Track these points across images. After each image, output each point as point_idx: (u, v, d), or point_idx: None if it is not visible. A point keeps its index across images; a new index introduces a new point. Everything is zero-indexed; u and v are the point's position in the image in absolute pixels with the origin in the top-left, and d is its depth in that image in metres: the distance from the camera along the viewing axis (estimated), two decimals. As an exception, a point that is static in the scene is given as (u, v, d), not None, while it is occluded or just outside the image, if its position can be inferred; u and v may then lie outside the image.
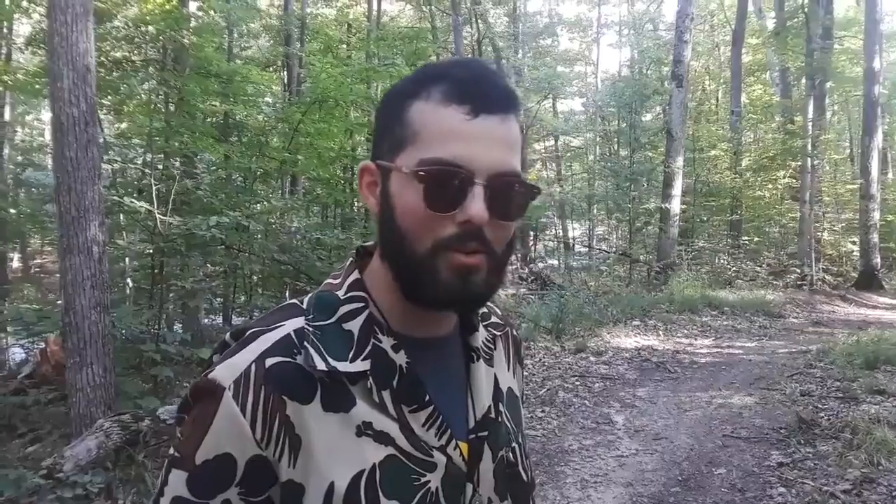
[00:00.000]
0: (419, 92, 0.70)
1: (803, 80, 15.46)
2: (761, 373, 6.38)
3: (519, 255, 15.74)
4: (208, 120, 9.45)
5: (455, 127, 0.67)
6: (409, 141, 0.69)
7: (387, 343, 0.72)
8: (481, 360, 0.81)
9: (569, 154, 24.69)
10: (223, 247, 6.65)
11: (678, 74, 12.60)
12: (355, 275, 0.76)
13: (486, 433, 0.77)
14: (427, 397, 0.72)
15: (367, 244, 0.82)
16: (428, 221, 0.67)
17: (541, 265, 15.51)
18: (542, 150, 25.01)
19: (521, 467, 0.83)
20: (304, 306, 0.74)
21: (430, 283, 0.68)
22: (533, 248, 17.75)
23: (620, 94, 18.47)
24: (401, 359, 0.71)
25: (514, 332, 0.95)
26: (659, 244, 12.92)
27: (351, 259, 0.80)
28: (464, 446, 0.74)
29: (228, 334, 0.74)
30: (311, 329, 0.70)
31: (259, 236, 7.45)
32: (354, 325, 0.72)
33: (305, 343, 0.69)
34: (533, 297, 10.10)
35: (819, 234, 14.23)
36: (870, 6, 14.05)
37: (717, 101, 21.99)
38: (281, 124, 9.31)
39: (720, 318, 9.50)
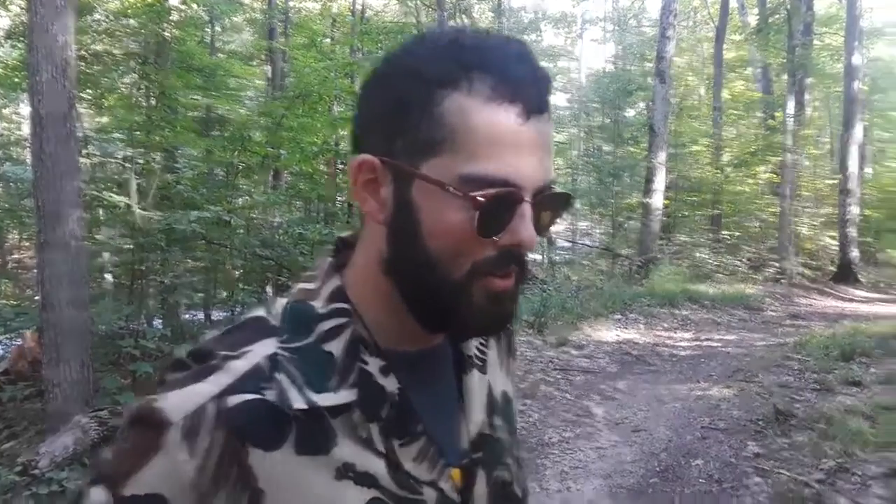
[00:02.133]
0: (457, 81, 0.57)
1: (784, 76, 15.61)
2: (739, 365, 6.47)
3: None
4: (190, 114, 9.37)
5: (508, 134, 0.56)
6: (445, 145, 0.57)
7: (374, 365, 0.62)
8: (474, 370, 0.72)
9: (553, 149, 24.73)
10: (204, 242, 6.63)
11: (661, 70, 12.68)
12: (336, 281, 0.65)
13: (480, 454, 0.69)
14: (420, 427, 0.63)
15: (346, 236, 0.70)
16: (471, 245, 0.58)
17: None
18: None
19: (515, 485, 0.74)
20: (275, 322, 0.62)
21: (464, 311, 0.60)
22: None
23: (604, 90, 18.56)
24: (391, 384, 0.62)
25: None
26: (641, 239, 13.02)
27: (328, 259, 0.68)
28: (456, 473, 0.66)
29: (187, 352, 0.62)
30: (285, 355, 0.60)
31: (241, 231, 7.43)
32: (337, 346, 0.61)
33: (278, 374, 0.58)
34: (516, 291, 10.13)
35: (798, 228, 14.41)
36: (850, 3, 14.23)
37: (700, 96, 22.15)
38: (264, 119, 9.27)
39: (700, 311, 9.60)
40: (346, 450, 0.59)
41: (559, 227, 23.43)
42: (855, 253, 13.97)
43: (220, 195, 7.44)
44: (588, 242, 18.75)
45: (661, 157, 12.68)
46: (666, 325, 8.69)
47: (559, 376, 6.20)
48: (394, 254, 0.62)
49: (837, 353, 6.35)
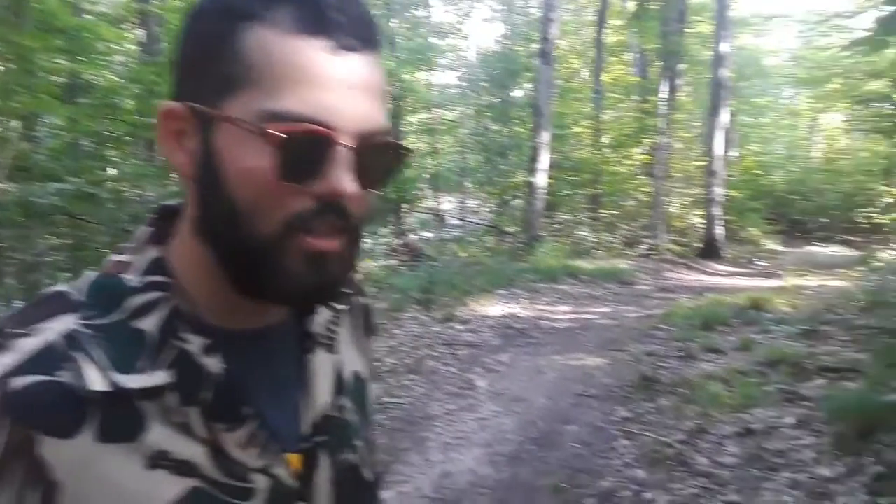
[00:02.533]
0: (257, 12, 0.52)
1: (659, 62, 16.44)
2: (612, 336, 6.83)
3: (392, 227, 15.79)
4: (53, 79, 8.65)
5: (312, 67, 0.51)
6: (245, 81, 0.52)
7: (196, 344, 0.56)
8: (320, 349, 0.67)
9: (443, 127, 24.92)
10: (67, 216, 6.17)
11: (545, 52, 13.00)
12: (153, 252, 0.59)
13: (324, 437, 0.65)
14: (248, 410, 0.58)
15: (170, 203, 0.64)
16: (278, 194, 0.52)
17: (414, 237, 15.63)
18: (417, 123, 25.04)
19: (365, 468, 0.71)
20: (77, 297, 0.56)
21: (275, 274, 0.54)
22: (406, 220, 17.84)
23: (492, 69, 18.83)
24: (214, 364, 0.56)
25: (365, 302, 0.81)
26: (525, 216, 13.41)
27: (146, 228, 0.61)
28: (295, 458, 0.62)
29: None
30: (85, 332, 0.53)
31: (110, 205, 6.97)
32: (150, 323, 0.55)
33: (76, 353, 0.52)
34: (404, 268, 10.18)
35: (668, 207, 15.34)
36: (720, -8, 15.13)
37: (583, 79, 22.96)
38: (136, 86, 8.70)
39: (578, 286, 10.04)
40: (157, 436, 0.54)
41: (449, 204, 23.72)
42: (719, 231, 15.04)
43: (86, 167, 6.93)
44: (476, 220, 19.08)
45: (545, 137, 13.06)
46: (547, 299, 9.02)
47: (445, 351, 6.30)
48: (201, 210, 0.56)
49: (699, 322, 6.82)
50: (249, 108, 0.52)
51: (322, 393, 0.66)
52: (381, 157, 0.57)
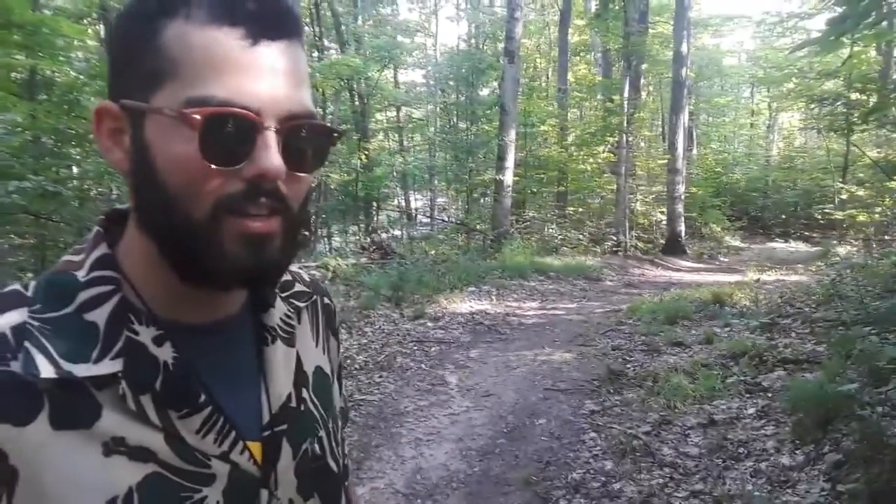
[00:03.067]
0: (174, 9, 0.55)
1: (622, 62, 16.67)
2: (580, 331, 6.94)
3: (362, 226, 15.75)
4: (11, 75, 8.42)
5: (230, 55, 0.54)
6: (168, 74, 0.54)
7: (146, 335, 0.58)
8: (278, 342, 0.69)
9: (410, 125, 24.90)
10: (28, 215, 6.03)
11: (510, 51, 13.09)
12: (102, 249, 0.61)
13: (284, 427, 0.66)
14: (202, 398, 0.60)
15: (121, 207, 0.66)
16: (206, 177, 0.54)
17: (383, 235, 15.61)
18: (385, 121, 24.98)
19: (329, 458, 0.72)
20: (30, 294, 0.58)
21: (212, 257, 0.56)
22: (375, 218, 17.81)
23: (458, 68, 18.89)
24: (165, 354, 0.58)
25: (326, 300, 0.83)
26: (494, 214, 13.50)
27: (97, 229, 0.63)
28: (256, 446, 0.63)
29: None
30: (35, 324, 0.55)
31: (74, 204, 6.83)
32: (100, 315, 0.57)
33: (26, 343, 0.54)
34: (374, 266, 10.18)
35: (633, 204, 15.59)
36: (679, -7, 15.41)
37: (548, 78, 23.16)
38: (97, 82, 8.51)
39: (546, 282, 10.16)
40: (112, 423, 0.55)
41: (418, 203, 23.73)
42: (682, 227, 15.34)
43: (47, 164, 6.78)
44: (445, 218, 19.13)
45: (512, 135, 13.16)
46: (516, 295, 9.11)
47: (415, 348, 6.34)
48: (138, 202, 0.59)
49: (664, 317, 6.96)
50: (174, 98, 0.54)
51: (281, 384, 0.68)
52: (309, 139, 0.58)
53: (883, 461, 3.17)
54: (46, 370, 0.53)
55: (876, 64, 13.89)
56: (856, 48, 9.64)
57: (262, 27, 0.55)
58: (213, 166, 0.54)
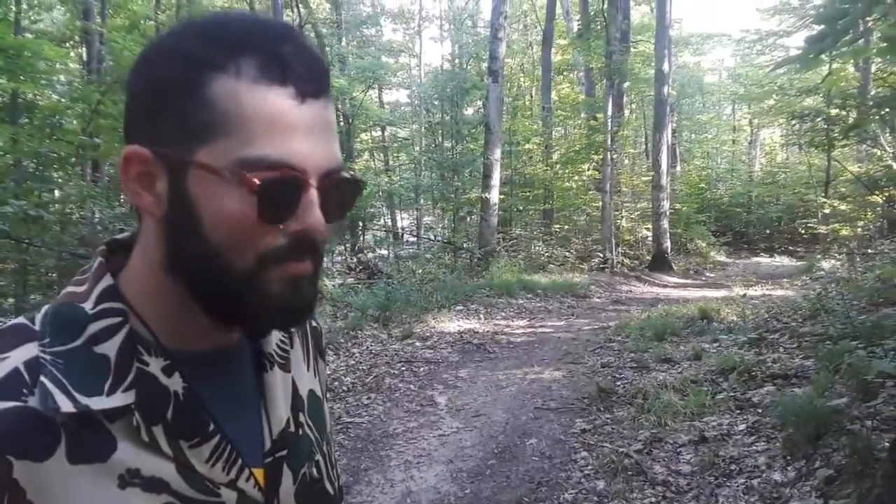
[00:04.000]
0: (223, 63, 0.55)
1: (605, 80, 16.85)
2: (569, 349, 6.92)
3: (348, 246, 15.70)
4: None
5: (282, 116, 0.55)
6: (218, 129, 0.54)
7: (156, 366, 0.59)
8: (276, 367, 0.70)
9: (396, 145, 24.98)
10: (9, 240, 5.95)
11: (494, 70, 13.20)
12: (107, 280, 0.61)
13: (284, 452, 0.68)
14: (211, 427, 0.61)
15: (119, 237, 0.67)
16: (255, 234, 0.56)
17: (370, 255, 15.57)
18: (370, 141, 25.05)
19: (326, 482, 0.74)
20: (37, 327, 0.58)
21: (258, 301, 0.58)
22: (362, 238, 17.77)
23: (442, 88, 19.01)
24: (175, 384, 0.59)
25: (314, 322, 0.84)
26: (480, 232, 13.51)
27: (100, 260, 0.63)
28: (259, 473, 0.65)
29: None
30: (48, 358, 0.55)
31: (55, 228, 6.76)
32: (110, 348, 0.58)
33: (42, 378, 0.54)
34: (361, 286, 10.13)
35: (618, 221, 15.67)
36: (660, 13, 15.62)
37: (532, 97, 23.35)
38: (79, 105, 8.48)
39: (534, 300, 10.15)
40: (127, 455, 0.56)
41: (405, 222, 23.73)
42: (667, 243, 15.42)
43: (29, 188, 6.71)
44: (431, 237, 19.13)
45: (497, 153, 13.22)
46: (504, 314, 9.09)
47: (404, 368, 6.29)
48: (174, 250, 0.59)
49: (652, 333, 6.96)
50: (225, 155, 0.54)
51: (280, 409, 0.69)
52: (341, 191, 0.61)
53: (874, 475, 3.16)
54: (65, 405, 0.53)
55: (854, 80, 14.12)
56: (835, 65, 9.82)
57: (307, 85, 0.57)
58: (265, 223, 0.56)
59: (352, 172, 0.63)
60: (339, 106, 16.30)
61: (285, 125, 0.55)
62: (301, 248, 0.58)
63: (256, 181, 0.53)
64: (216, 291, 0.58)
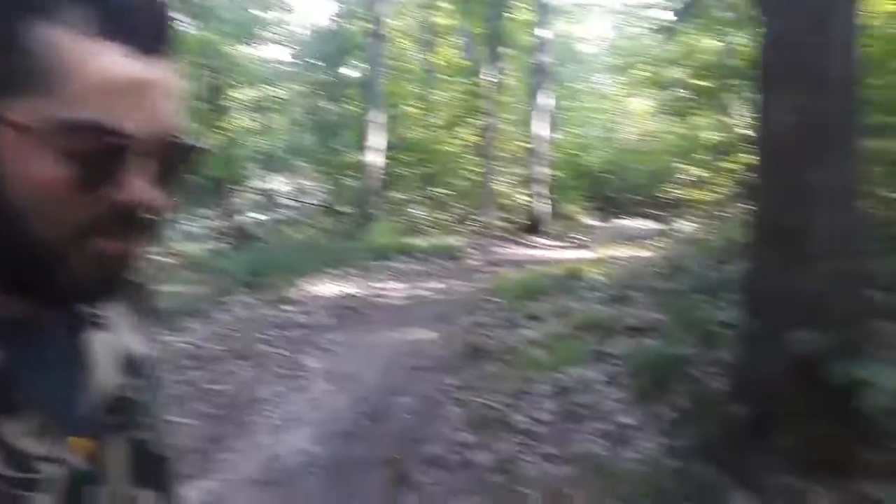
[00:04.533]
0: (48, 10, 0.48)
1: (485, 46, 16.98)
2: (444, 310, 7.02)
3: (219, 210, 15.05)
4: None
5: (114, 75, 0.49)
6: (37, 85, 0.48)
7: None
8: (95, 329, 0.65)
9: (274, 105, 24.06)
10: None
11: (377, 31, 12.96)
12: None
13: (111, 417, 0.63)
14: (22, 397, 0.55)
15: None
16: (70, 201, 0.50)
17: (243, 219, 15.04)
18: (244, 100, 23.97)
19: (158, 445, 0.71)
20: None
21: (58, 279, 0.52)
22: (233, 201, 17.09)
23: (324, 47, 18.44)
24: None
25: (140, 281, 0.77)
26: (359, 196, 13.38)
27: None
28: (86, 441, 0.60)
29: None
30: None
31: None
32: None
33: None
34: (232, 251, 9.77)
35: (496, 186, 16.01)
36: (541, -22, 15.88)
37: (415, 60, 23.17)
38: None
39: (412, 263, 10.21)
40: None
41: (283, 186, 23.00)
42: (543, 208, 15.95)
43: None
44: (310, 201, 18.72)
45: (377, 116, 13.07)
46: (381, 277, 9.08)
47: (275, 333, 6.14)
48: None
49: (523, 293, 7.20)
50: (40, 113, 0.48)
51: (106, 374, 0.64)
52: (177, 159, 0.56)
53: (712, 417, 3.45)
54: None
55: (715, 53, 15.02)
56: (696, 37, 10.41)
57: (147, 41, 0.51)
58: (80, 191, 0.50)
59: (193, 138, 0.56)
60: (205, 61, 15.39)
61: (112, 85, 0.49)
62: (119, 222, 0.52)
63: (74, 146, 0.48)
64: (17, 259, 0.52)
